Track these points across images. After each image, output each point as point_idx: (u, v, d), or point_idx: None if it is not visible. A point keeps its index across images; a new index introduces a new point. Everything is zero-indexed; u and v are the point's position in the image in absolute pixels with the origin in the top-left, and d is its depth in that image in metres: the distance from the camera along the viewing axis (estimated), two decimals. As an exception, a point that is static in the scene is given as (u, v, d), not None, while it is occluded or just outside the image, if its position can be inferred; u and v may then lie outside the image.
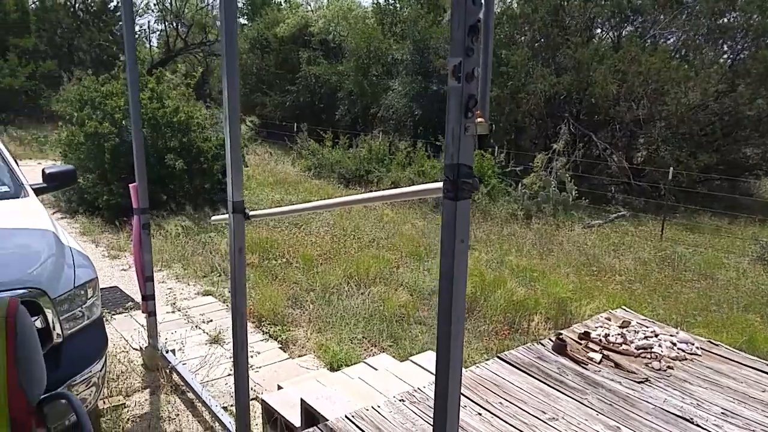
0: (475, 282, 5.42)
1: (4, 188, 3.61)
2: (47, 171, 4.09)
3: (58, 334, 2.74)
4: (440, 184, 1.65)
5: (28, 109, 18.64)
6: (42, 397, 1.68)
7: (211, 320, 4.98)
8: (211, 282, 5.97)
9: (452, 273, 1.64)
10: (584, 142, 11.88)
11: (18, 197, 3.56)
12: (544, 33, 12.41)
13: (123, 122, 7.84)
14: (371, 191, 8.55)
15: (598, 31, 13.34)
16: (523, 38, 12.71)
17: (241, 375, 2.99)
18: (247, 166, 10.06)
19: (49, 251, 2.94)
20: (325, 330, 4.85)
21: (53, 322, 2.70)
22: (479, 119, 1.55)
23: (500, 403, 2.77)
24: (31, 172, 4.50)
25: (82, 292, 2.94)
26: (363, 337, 4.75)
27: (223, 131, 9.21)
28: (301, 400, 3.09)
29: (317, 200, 8.72)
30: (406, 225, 8.34)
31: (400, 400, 2.82)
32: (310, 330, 4.88)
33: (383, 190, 8.44)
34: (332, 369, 4.16)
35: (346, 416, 2.70)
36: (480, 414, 2.67)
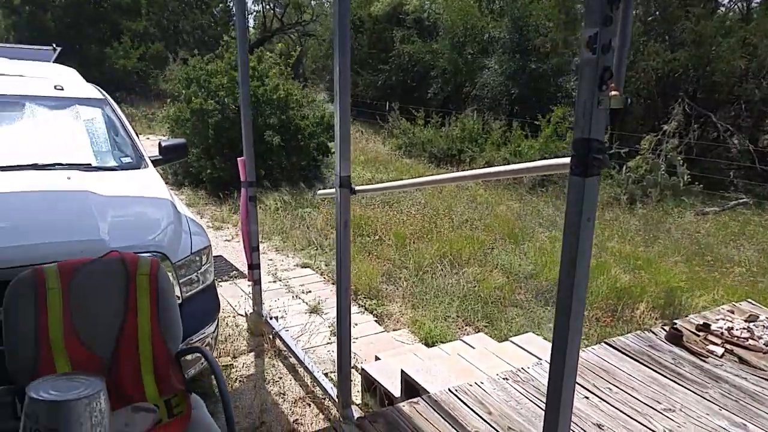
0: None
1: (127, 159, 3.86)
2: (163, 144, 4.34)
3: (177, 296, 2.92)
4: (566, 160, 1.58)
5: (138, 88, 19.88)
6: (179, 349, 1.81)
7: (310, 291, 5.14)
8: (308, 255, 6.15)
9: (576, 253, 1.57)
10: (700, 123, 10.99)
11: (139, 168, 3.80)
12: (661, 5, 11.54)
13: (225, 100, 8.19)
14: (464, 171, 8.42)
15: (725, 1, 12.23)
16: (635, 12, 11.89)
17: (344, 344, 3.06)
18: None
19: (169, 219, 3.10)
20: (419, 307, 4.87)
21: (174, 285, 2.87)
22: (613, 92, 1.46)
23: (609, 388, 2.66)
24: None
25: (198, 259, 3.09)
26: (457, 316, 4.72)
27: (318, 110, 9.37)
28: (402, 371, 3.13)
29: (409, 178, 8.73)
30: (501, 206, 8.16)
31: (503, 379, 2.78)
32: (404, 306, 4.91)
33: (481, 168, 8.27)
34: (427, 344, 4.17)
35: (449, 389, 2.70)
36: (587, 398, 2.58)
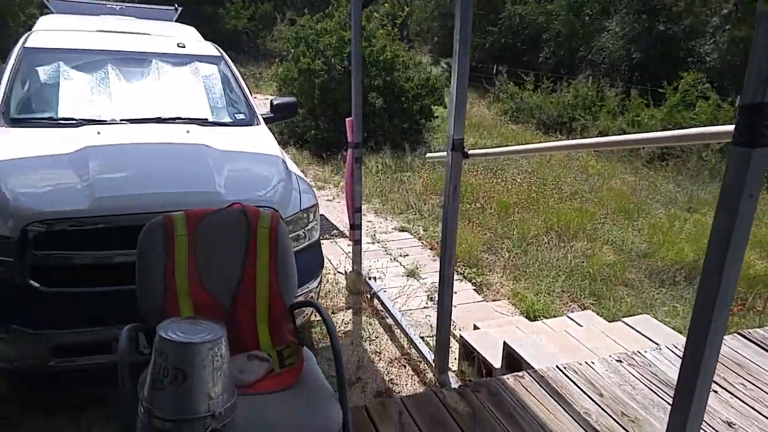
0: (698, 248, 4.79)
1: (241, 116, 3.96)
2: (275, 102, 4.41)
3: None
4: (729, 128, 1.38)
5: (247, 48, 20.45)
6: (294, 303, 1.83)
7: (408, 255, 5.13)
8: (406, 219, 6.13)
9: (731, 232, 1.38)
10: None
11: (251, 125, 3.89)
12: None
13: (333, 60, 8.23)
14: (573, 140, 7.96)
15: None
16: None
17: (445, 310, 3.01)
18: (445, 107, 10.01)
19: (280, 176, 3.15)
20: (521, 279, 4.71)
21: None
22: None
23: (742, 384, 2.42)
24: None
25: (305, 216, 3.13)
26: (562, 291, 4.52)
27: (423, 73, 9.17)
28: (504, 343, 3.04)
29: (521, 144, 8.41)
30: (614, 179, 7.67)
31: (617, 361, 2.62)
32: (504, 277, 4.78)
33: (593, 137, 7.79)
34: (529, 318, 4.03)
35: (557, 366, 2.58)
36: (716, 392, 2.36)
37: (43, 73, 3.65)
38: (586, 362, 2.61)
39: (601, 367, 2.59)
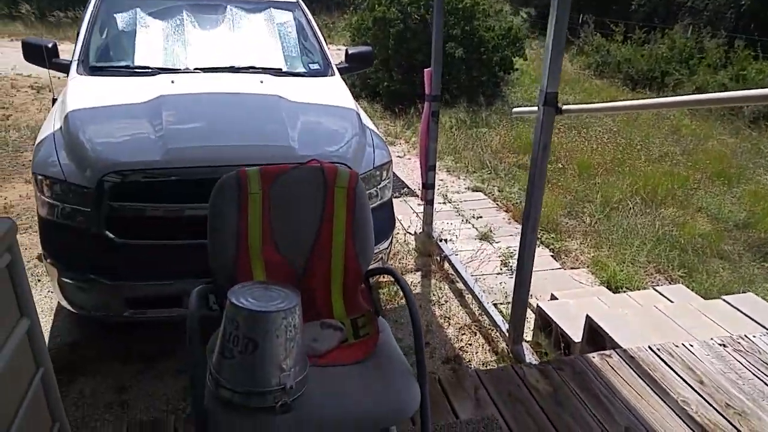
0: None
1: (315, 66, 3.81)
2: (350, 52, 4.22)
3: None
4: None
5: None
6: (370, 269, 1.70)
7: (481, 216, 4.92)
8: (480, 178, 5.87)
9: None
10: None
11: (326, 75, 3.74)
12: None
13: (409, 8, 7.88)
14: (678, 96, 7.32)
15: None
16: None
17: (524, 277, 2.84)
18: (526, 59, 9.47)
19: (354, 130, 3.01)
20: (603, 246, 4.41)
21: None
22: None
23: None
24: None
25: (378, 174, 2.99)
26: (647, 262, 4.19)
27: (504, 22, 8.63)
28: (587, 317, 2.82)
29: (599, 102, 7.86)
30: (711, 141, 7.02)
31: (720, 345, 2.36)
32: (585, 243, 4.49)
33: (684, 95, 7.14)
34: (610, 288, 3.77)
35: (649, 347, 2.35)
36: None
37: (120, 20, 3.63)
38: (683, 344, 2.37)
39: (702, 350, 2.34)
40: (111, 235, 2.44)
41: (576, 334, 2.93)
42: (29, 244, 3.84)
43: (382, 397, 1.41)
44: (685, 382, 2.20)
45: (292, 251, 1.66)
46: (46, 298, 3.30)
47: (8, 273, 1.43)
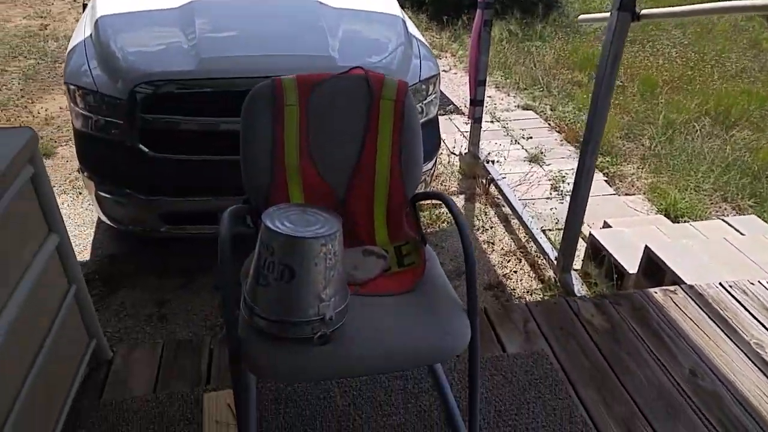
0: None
1: (358, -31, 3.50)
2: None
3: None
4: None
5: None
6: (416, 193, 1.55)
7: (531, 137, 4.64)
8: (531, 96, 5.52)
9: None
10: None
11: (369, -20, 3.43)
12: None
13: None
14: None
15: None
16: None
17: (580, 203, 2.66)
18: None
19: (399, 39, 2.81)
20: (663, 171, 4.11)
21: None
22: None
23: None
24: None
25: (424, 87, 2.78)
26: (713, 189, 3.89)
27: None
28: (646, 247, 2.63)
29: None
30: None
31: (803, 285, 2.14)
32: (642, 168, 4.20)
33: None
34: (669, 217, 3.54)
35: (720, 284, 2.16)
36: None
37: None
38: (759, 282, 2.16)
39: (780, 289, 2.14)
40: (145, 149, 2.37)
41: (631, 266, 2.75)
42: (71, 156, 3.82)
43: (430, 332, 1.29)
44: (761, 323, 2.02)
45: (332, 171, 1.50)
46: (87, 211, 3.30)
47: (33, 186, 1.34)
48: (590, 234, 3.10)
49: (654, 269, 2.63)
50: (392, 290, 1.40)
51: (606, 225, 3.32)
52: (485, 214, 3.59)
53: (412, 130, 1.48)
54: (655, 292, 2.22)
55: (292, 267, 1.16)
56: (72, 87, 2.43)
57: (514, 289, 2.96)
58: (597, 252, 3.00)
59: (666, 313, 2.09)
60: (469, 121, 3.97)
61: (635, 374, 1.85)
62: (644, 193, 3.93)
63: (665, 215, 3.60)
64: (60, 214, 1.44)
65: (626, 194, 3.95)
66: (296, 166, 1.45)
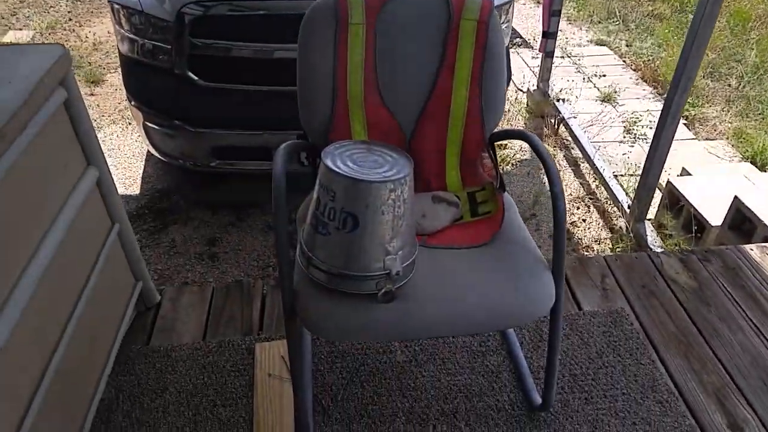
0: None
1: None
2: None
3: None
4: None
5: None
6: (495, 131, 1.34)
7: (604, 75, 4.26)
8: (606, 30, 5.06)
9: None
10: None
11: None
12: None
13: None
14: None
15: None
16: None
17: (662, 147, 2.43)
18: None
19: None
20: (750, 115, 3.72)
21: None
22: None
23: None
24: None
25: (496, 14, 2.49)
26: (809, 136, 3.49)
27: None
28: (735, 198, 2.37)
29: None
30: None
31: None
32: (727, 111, 3.81)
33: None
34: (754, 164, 3.21)
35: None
36: None
37: None
38: None
39: None
40: (195, 77, 2.22)
41: (714, 217, 2.51)
42: (120, 84, 3.74)
43: (508, 294, 1.12)
44: None
45: (400, 104, 1.31)
46: (137, 142, 3.22)
47: (66, 113, 1.20)
48: (668, 181, 2.83)
49: (743, 222, 2.38)
50: (465, 243, 1.23)
51: (685, 172, 3.04)
52: (553, 157, 3.35)
53: (496, 57, 1.26)
54: (751, 249, 1.97)
55: (356, 215, 1.01)
56: (116, 6, 2.29)
57: (582, 239, 2.77)
58: (675, 201, 2.75)
59: (763, 272, 1.85)
60: (539, 55, 3.65)
61: (727, 340, 1.65)
62: (727, 138, 3.58)
63: (751, 162, 3.27)
64: (100, 147, 1.32)
65: (707, 139, 3.61)
66: (360, 96, 1.26)
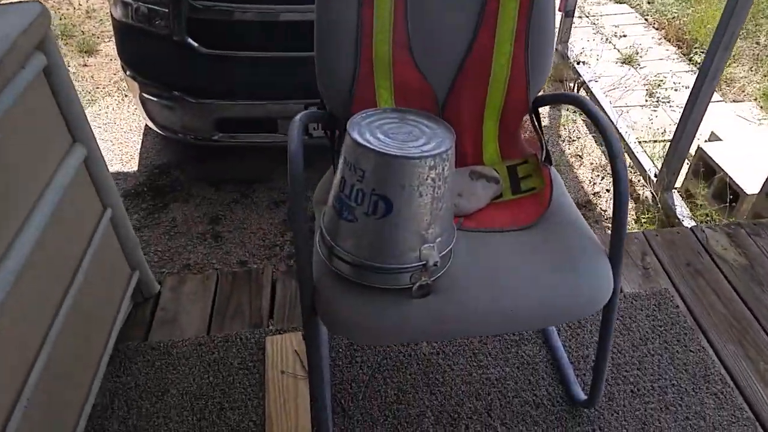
0: None
1: None
2: None
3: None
4: None
5: None
6: (537, 96, 1.16)
7: (625, 35, 4.04)
8: (624, -15, 4.80)
9: None
10: None
11: None
12: None
13: None
14: None
15: None
16: None
17: (696, 112, 2.31)
18: None
19: None
20: (782, 75, 3.52)
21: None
22: None
23: None
24: None
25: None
26: None
27: None
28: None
29: None
30: None
31: None
32: (755, 71, 3.61)
33: None
34: (788, 130, 3.03)
35: None
36: None
37: None
38: None
39: None
40: (194, 44, 2.05)
41: (750, 185, 2.36)
42: (115, 53, 3.55)
43: (561, 284, 0.97)
44: None
45: (434, 67, 1.13)
46: (134, 116, 3.05)
47: (46, 81, 1.04)
48: (699, 147, 2.66)
49: (786, 192, 2.22)
50: (507, 225, 1.08)
51: (714, 137, 2.87)
52: (573, 122, 3.19)
53: (544, 13, 1.08)
54: (807, 223, 1.82)
55: (389, 197, 0.85)
56: None
57: (605, 210, 2.62)
58: (706, 168, 2.59)
59: (822, 249, 1.71)
60: (559, 15, 3.43)
61: (784, 324, 1.52)
62: (755, 99, 3.41)
63: (785, 126, 3.09)
64: (87, 122, 1.16)
65: (734, 101, 3.43)
66: (388, 57, 1.09)
